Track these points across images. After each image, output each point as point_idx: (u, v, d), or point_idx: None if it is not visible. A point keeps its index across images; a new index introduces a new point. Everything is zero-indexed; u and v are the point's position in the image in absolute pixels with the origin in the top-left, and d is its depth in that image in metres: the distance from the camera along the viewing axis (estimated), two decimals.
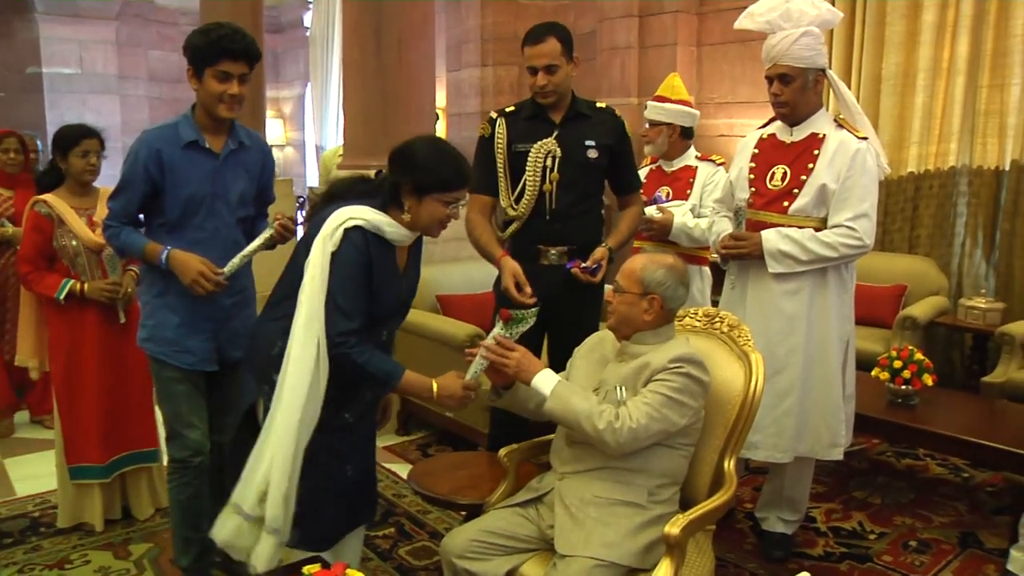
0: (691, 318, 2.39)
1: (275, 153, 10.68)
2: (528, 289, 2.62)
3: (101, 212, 3.05)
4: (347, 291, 2.05)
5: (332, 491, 2.20)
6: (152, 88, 9.71)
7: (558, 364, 2.81)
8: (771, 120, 2.88)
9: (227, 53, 2.30)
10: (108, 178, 3.01)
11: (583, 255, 2.77)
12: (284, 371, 2.03)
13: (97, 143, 3.05)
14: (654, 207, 3.48)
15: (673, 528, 1.88)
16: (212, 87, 2.32)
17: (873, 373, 3.38)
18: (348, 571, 1.63)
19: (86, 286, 3.00)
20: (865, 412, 3.18)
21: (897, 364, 3.33)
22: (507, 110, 2.88)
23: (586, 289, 2.78)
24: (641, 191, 3.11)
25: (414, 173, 2.10)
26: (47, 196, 3.05)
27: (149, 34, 9.60)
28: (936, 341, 4.63)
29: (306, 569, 1.64)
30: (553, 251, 2.80)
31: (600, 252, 2.74)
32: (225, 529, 2.07)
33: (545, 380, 2.06)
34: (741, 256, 2.73)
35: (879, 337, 4.31)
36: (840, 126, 2.71)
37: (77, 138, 3.01)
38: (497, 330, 2.14)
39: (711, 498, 2.08)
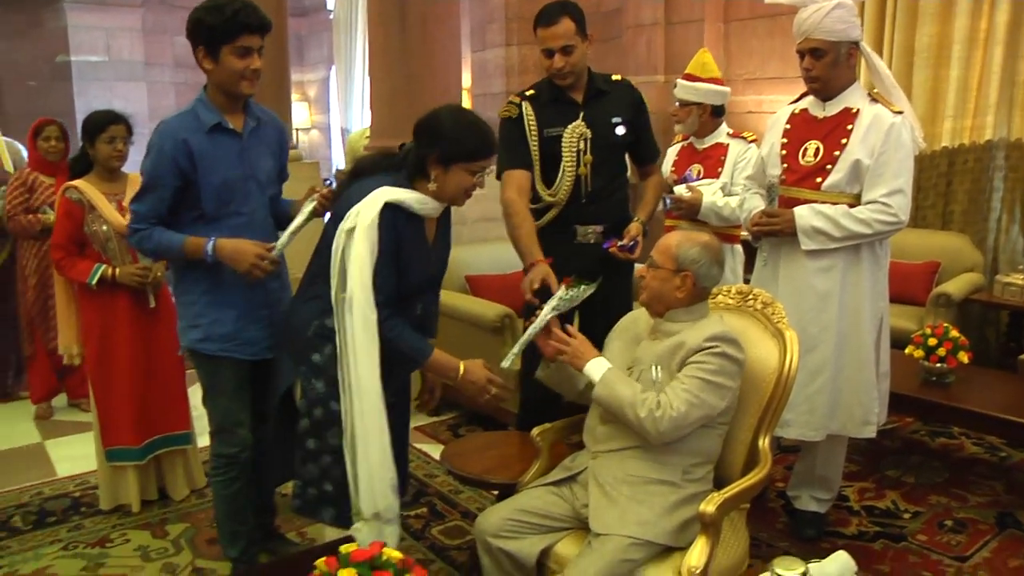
0: (724, 296, 2.37)
1: (301, 136, 10.81)
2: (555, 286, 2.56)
3: (130, 197, 3.06)
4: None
5: None
6: (178, 74, 9.76)
7: (590, 342, 2.82)
8: (803, 95, 2.83)
9: (246, 27, 2.20)
10: (136, 164, 3.03)
11: (616, 231, 2.75)
12: (352, 370, 2.06)
13: (124, 129, 3.08)
14: (683, 186, 3.44)
15: (709, 506, 1.88)
16: (233, 64, 2.22)
17: (907, 351, 3.35)
18: (384, 550, 1.65)
19: (117, 271, 3.04)
20: (898, 390, 3.14)
21: (932, 342, 3.29)
22: (528, 94, 2.82)
23: (618, 267, 2.76)
24: (661, 162, 3.08)
25: (440, 143, 2.10)
26: (77, 182, 3.09)
27: (174, 20, 9.61)
28: (971, 318, 4.55)
29: (343, 548, 1.66)
30: (589, 230, 2.77)
31: (635, 228, 2.72)
32: (361, 536, 2.09)
33: (597, 367, 2.07)
34: (774, 233, 2.69)
35: (912, 315, 4.25)
36: (874, 100, 2.66)
37: (103, 124, 3.04)
38: (560, 294, 2.21)
39: (746, 476, 2.07)
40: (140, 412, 3.12)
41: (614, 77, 2.86)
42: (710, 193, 3.41)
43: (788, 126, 2.78)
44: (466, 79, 7.26)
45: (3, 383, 4.55)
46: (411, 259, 2.14)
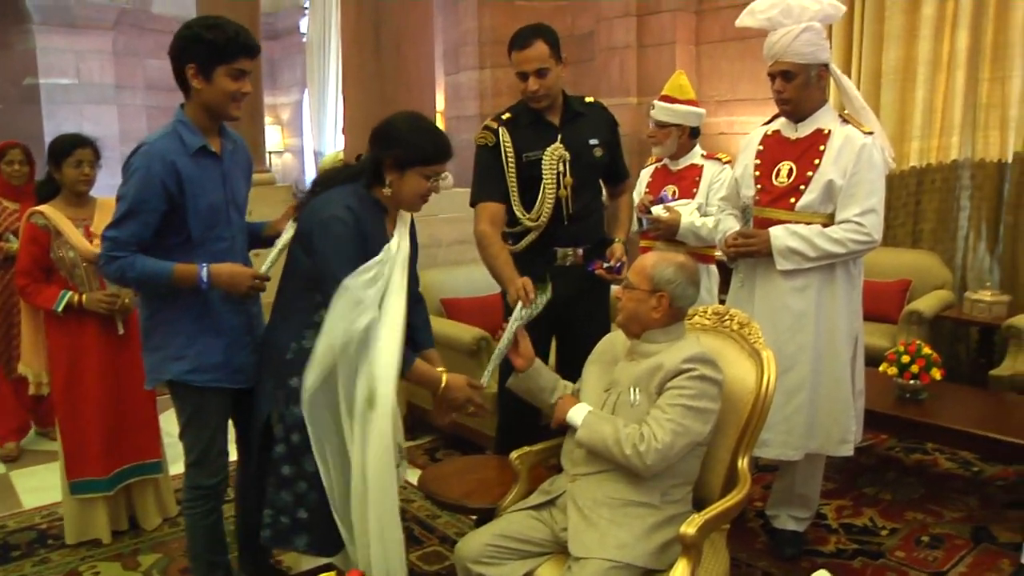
0: (700, 316, 2.38)
1: (274, 159, 10.75)
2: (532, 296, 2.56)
3: (98, 222, 3.00)
4: (346, 265, 2.06)
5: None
6: (150, 97, 9.67)
7: (567, 364, 2.82)
8: (775, 117, 2.87)
9: (245, 50, 2.18)
10: (105, 188, 2.98)
11: (596, 252, 2.75)
12: (365, 417, 2.08)
13: (91, 152, 3.02)
14: (660, 206, 3.46)
15: (689, 528, 1.87)
16: (226, 85, 2.18)
17: (881, 368, 3.37)
18: None
19: (84, 297, 2.96)
20: (873, 408, 3.16)
21: (905, 359, 3.32)
22: (504, 117, 2.80)
23: (595, 289, 2.76)
24: (632, 183, 3.10)
25: (395, 148, 2.12)
26: (43, 207, 3.01)
27: (146, 43, 9.55)
28: (942, 335, 4.60)
29: None
30: (569, 252, 2.77)
31: (619, 249, 2.72)
32: None
33: (578, 413, 2.10)
34: (750, 254, 2.71)
35: (884, 332, 4.29)
36: (845, 121, 2.70)
37: (70, 148, 2.97)
38: (519, 308, 2.28)
39: (725, 497, 2.07)
40: (109, 442, 3.04)
41: (587, 99, 2.88)
42: (687, 213, 3.42)
43: (761, 147, 2.81)
44: (439, 102, 7.28)
45: None
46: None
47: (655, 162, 3.76)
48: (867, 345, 4.02)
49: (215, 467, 2.39)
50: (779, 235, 2.64)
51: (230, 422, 2.46)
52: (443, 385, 2.20)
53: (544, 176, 2.71)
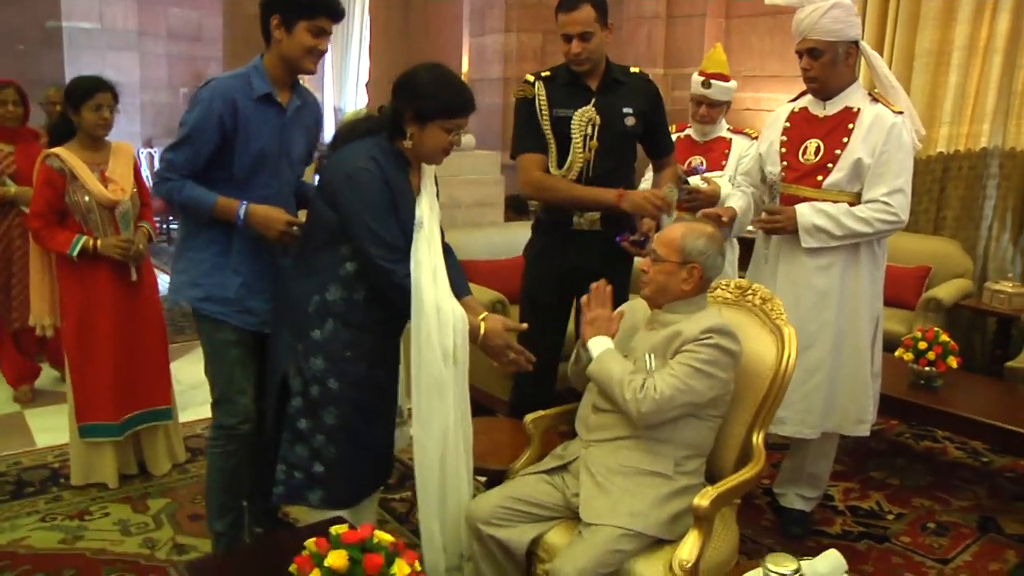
0: (723, 290, 2.36)
1: None
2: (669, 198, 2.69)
3: (114, 167, 3.02)
4: (383, 220, 2.06)
5: (360, 452, 2.20)
6: (171, 45, 9.64)
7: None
8: (802, 94, 2.83)
9: (329, 10, 2.24)
10: (123, 134, 2.96)
11: (616, 221, 2.73)
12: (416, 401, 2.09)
13: (111, 97, 2.99)
14: (697, 176, 3.43)
15: (702, 500, 1.87)
16: (305, 40, 2.23)
17: (897, 353, 3.35)
18: (376, 532, 1.63)
19: (99, 242, 2.95)
20: (886, 392, 3.15)
21: (922, 345, 3.30)
22: (543, 74, 2.82)
23: (616, 258, 2.74)
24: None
25: (417, 100, 2.09)
26: (59, 150, 2.97)
27: None
28: (959, 324, 4.57)
29: (333, 529, 1.64)
30: (585, 217, 2.75)
31: (648, 223, 2.69)
32: None
33: (598, 345, 2.08)
34: (776, 230, 2.68)
35: (901, 318, 4.26)
36: (875, 100, 2.66)
37: (90, 91, 2.93)
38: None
39: (739, 472, 2.07)
40: (120, 387, 3.05)
41: (632, 69, 2.85)
42: (725, 190, 3.38)
43: (787, 124, 2.78)
44: (464, 63, 7.21)
45: None
46: (401, 203, 2.12)
47: (677, 131, 3.73)
48: (883, 330, 4.03)
49: (236, 407, 2.41)
50: (805, 212, 2.61)
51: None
52: (481, 333, 2.17)
53: (573, 136, 2.71)
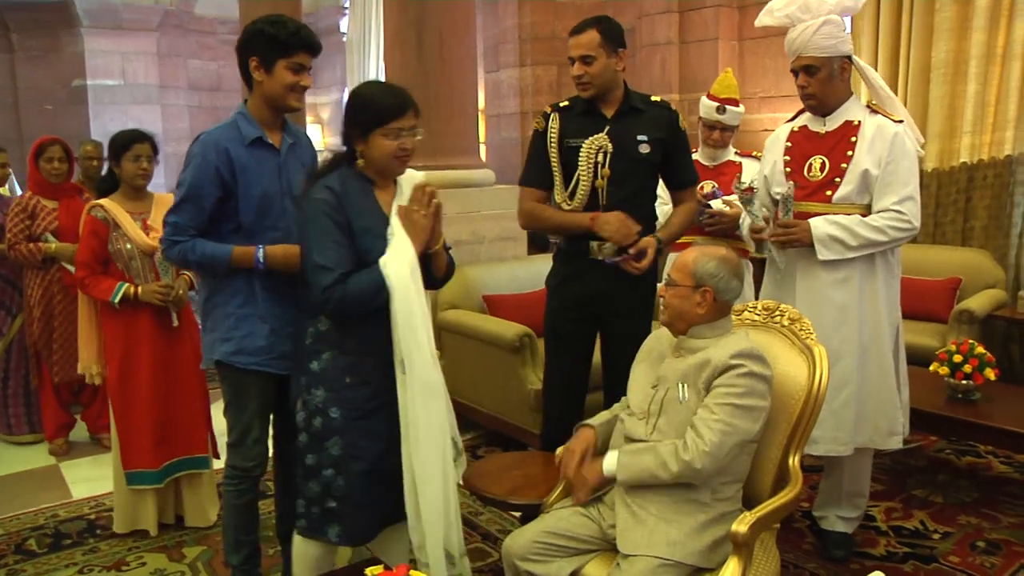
0: (750, 312, 2.34)
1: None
2: (637, 227, 2.63)
3: (155, 216, 3.09)
4: (322, 246, 2.08)
5: (373, 482, 2.18)
6: (192, 97, 9.85)
7: (612, 362, 2.79)
8: (799, 113, 2.87)
9: (305, 45, 2.27)
10: (161, 186, 3.04)
11: (627, 248, 2.71)
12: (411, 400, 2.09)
13: (149, 147, 3.09)
14: (719, 200, 3.43)
15: (740, 526, 1.83)
16: (285, 78, 2.27)
17: (932, 368, 3.29)
18: (412, 572, 1.61)
19: (140, 289, 3.02)
20: (924, 408, 3.11)
21: (957, 358, 3.24)
22: (561, 105, 2.84)
23: (637, 283, 2.74)
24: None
25: (354, 117, 2.13)
26: (103, 201, 3.09)
27: (188, 44, 9.74)
28: (994, 335, 4.48)
29: (368, 571, 1.63)
30: (604, 246, 2.74)
31: (647, 240, 2.67)
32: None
33: (608, 463, 2.05)
34: (790, 243, 2.67)
35: (933, 332, 4.20)
36: (874, 111, 2.69)
37: (128, 143, 3.04)
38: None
39: (776, 495, 2.03)
40: (159, 433, 3.07)
41: (653, 98, 2.85)
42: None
43: (789, 144, 2.79)
44: (480, 100, 7.29)
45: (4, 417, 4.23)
46: (363, 223, 2.13)
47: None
48: (915, 344, 4.00)
49: (251, 452, 2.44)
50: (819, 224, 2.61)
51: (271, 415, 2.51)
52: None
53: (580, 164, 2.71)
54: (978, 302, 4.21)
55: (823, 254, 2.61)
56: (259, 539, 2.63)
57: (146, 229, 3.08)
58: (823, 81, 2.63)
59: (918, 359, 3.65)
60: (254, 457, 2.45)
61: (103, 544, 3.10)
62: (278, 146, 2.38)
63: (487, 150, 7.37)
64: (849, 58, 2.67)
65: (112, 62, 8.88)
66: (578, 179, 2.73)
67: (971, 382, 3.21)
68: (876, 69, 4.97)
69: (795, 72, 2.69)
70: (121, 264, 3.07)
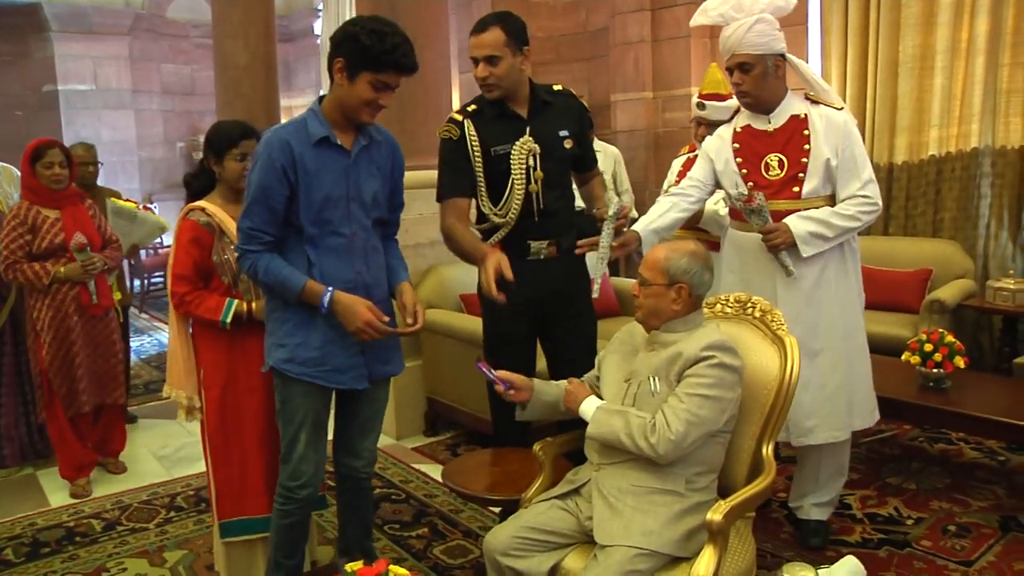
0: (722, 305, 2.37)
1: None
2: (510, 274, 2.42)
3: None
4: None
5: None
6: (165, 101, 9.77)
7: (557, 362, 2.79)
8: (734, 114, 2.91)
9: (397, 67, 2.12)
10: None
11: (566, 244, 2.71)
12: None
13: (256, 144, 2.48)
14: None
15: (715, 515, 1.86)
16: (364, 92, 2.13)
17: (903, 357, 3.35)
18: (391, 567, 1.63)
19: (254, 305, 2.53)
20: (896, 396, 3.16)
21: (928, 348, 3.30)
22: (469, 110, 2.70)
23: (574, 284, 2.75)
24: (670, 176, 3.07)
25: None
26: (202, 203, 2.58)
27: (161, 48, 9.66)
28: (964, 324, 4.57)
29: (348, 566, 1.65)
30: (543, 245, 2.69)
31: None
32: None
33: (588, 406, 2.10)
34: (778, 248, 2.66)
35: (905, 322, 4.27)
36: (814, 102, 2.74)
37: (235, 139, 2.55)
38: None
39: (751, 484, 2.06)
40: (271, 472, 2.56)
41: (555, 87, 2.80)
42: (712, 202, 3.41)
43: (737, 145, 2.80)
44: (454, 100, 7.29)
45: None
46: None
47: (687, 152, 3.79)
48: (887, 335, 4.06)
49: (296, 470, 2.31)
50: (796, 223, 2.64)
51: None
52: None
53: (513, 171, 2.63)
54: (948, 292, 4.28)
55: (806, 251, 2.65)
56: (303, 563, 2.51)
57: None
58: (757, 78, 2.67)
59: (890, 349, 3.71)
60: (299, 476, 2.31)
61: (82, 551, 3.09)
62: (348, 147, 2.23)
63: None
64: (783, 56, 2.71)
65: (83, 67, 8.79)
66: (512, 187, 2.64)
67: (942, 371, 3.27)
68: (846, 65, 5.05)
69: (730, 70, 2.73)
70: (227, 277, 2.55)
